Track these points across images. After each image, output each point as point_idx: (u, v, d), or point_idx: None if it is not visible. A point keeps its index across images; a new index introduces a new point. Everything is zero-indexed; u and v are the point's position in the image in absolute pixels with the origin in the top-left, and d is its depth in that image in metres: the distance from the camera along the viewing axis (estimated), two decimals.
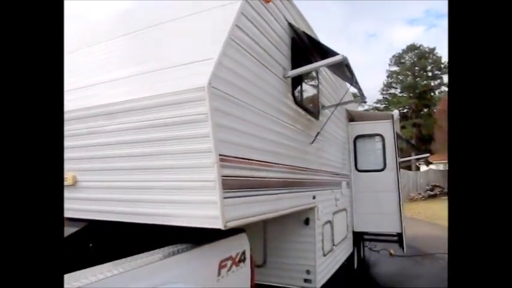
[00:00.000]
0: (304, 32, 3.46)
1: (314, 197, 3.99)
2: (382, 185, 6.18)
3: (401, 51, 44.19)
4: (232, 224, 2.12)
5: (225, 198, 2.06)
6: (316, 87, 4.38)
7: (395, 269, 7.49)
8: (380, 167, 6.25)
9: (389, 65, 45.47)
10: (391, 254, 8.33)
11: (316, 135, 3.91)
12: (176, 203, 2.17)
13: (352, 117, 6.69)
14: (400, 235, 6.03)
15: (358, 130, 6.48)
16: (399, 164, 7.80)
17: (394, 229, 6.05)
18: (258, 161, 2.54)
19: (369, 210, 6.25)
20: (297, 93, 3.57)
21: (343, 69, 3.14)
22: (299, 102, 3.58)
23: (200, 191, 2.09)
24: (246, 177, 2.34)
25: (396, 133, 6.48)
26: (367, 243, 7.96)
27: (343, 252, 5.42)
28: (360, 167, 6.42)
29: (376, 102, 42.56)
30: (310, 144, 3.89)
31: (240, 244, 2.84)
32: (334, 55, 3.02)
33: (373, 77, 76.16)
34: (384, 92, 44.42)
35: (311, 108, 4.13)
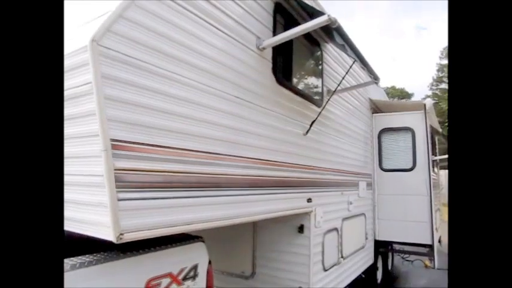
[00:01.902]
0: None
1: (309, 200, 3.28)
2: (410, 187, 5.26)
3: None
4: (133, 236, 1.54)
5: (120, 200, 1.47)
6: (319, 67, 3.65)
7: (427, 283, 6.48)
8: (409, 166, 5.33)
9: (440, 58, 42.05)
10: (426, 266, 7.27)
11: (311, 125, 3.19)
12: (70, 203, 1.62)
13: (377, 108, 5.80)
14: (431, 247, 5.08)
15: (383, 122, 5.59)
16: (434, 163, 6.75)
17: (423, 240, 5.11)
18: (197, 151, 1.92)
19: (394, 216, 5.35)
20: (281, 71, 2.89)
21: (332, 36, 2.41)
22: (285, 82, 2.89)
23: (90, 189, 1.53)
24: (169, 172, 1.73)
25: (431, 126, 5.49)
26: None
27: (358, 264, 4.62)
28: (385, 165, 5.53)
29: (425, 98, 39.36)
30: (303, 136, 3.18)
31: (189, 257, 2.23)
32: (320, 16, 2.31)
33: (423, 72, 71.53)
34: (434, 88, 41.17)
35: (308, 92, 3.40)
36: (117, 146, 1.47)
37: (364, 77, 4.45)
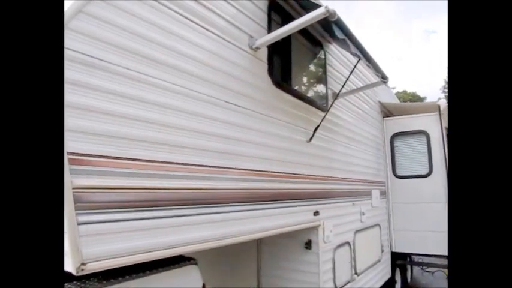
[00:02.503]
0: None
1: (316, 213, 3.00)
2: (427, 195, 4.91)
3: None
4: (99, 266, 1.31)
5: (81, 224, 1.25)
6: (322, 68, 3.41)
7: None
8: (425, 171, 4.99)
9: None
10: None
11: (315, 131, 2.93)
12: None
13: (388, 112, 5.51)
14: None
15: (395, 126, 5.28)
16: None
17: (443, 251, 4.73)
18: (177, 163, 1.69)
19: (411, 226, 5.00)
20: (278, 73, 2.66)
21: (332, 31, 2.17)
22: (283, 85, 2.66)
23: None
24: (143, 189, 1.50)
25: (446, 129, 5.16)
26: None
27: (374, 280, 4.28)
28: (399, 172, 5.21)
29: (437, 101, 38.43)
30: (307, 143, 2.92)
31: (181, 282, 1.98)
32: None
33: (434, 75, 70.38)
34: (446, 90, 40.45)
35: (311, 96, 3.16)
36: (76, 160, 1.26)
37: (372, 78, 4.19)
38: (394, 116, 5.47)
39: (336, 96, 3.25)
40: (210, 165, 1.88)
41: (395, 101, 6.55)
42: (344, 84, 3.23)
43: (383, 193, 5.00)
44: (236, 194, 2.07)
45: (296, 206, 2.70)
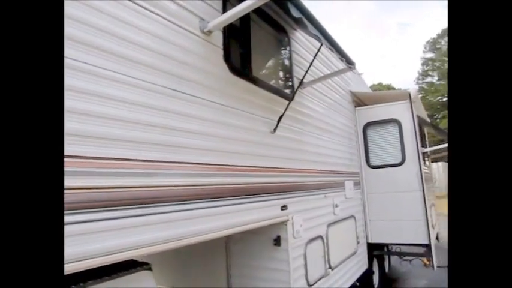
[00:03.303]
0: None
1: (284, 207, 2.85)
2: (401, 184, 4.86)
3: (436, 36, 40.63)
4: None
5: None
6: (287, 56, 3.24)
7: (428, 283, 6.08)
8: (398, 160, 4.93)
9: (424, 52, 42.01)
10: (426, 265, 6.83)
11: (278, 121, 2.76)
12: None
13: (359, 101, 5.42)
14: (428, 247, 4.66)
15: (367, 116, 5.20)
16: (425, 155, 6.39)
17: (420, 239, 4.69)
18: (119, 159, 1.48)
19: (387, 215, 4.95)
20: (237, 60, 2.47)
21: (288, 9, 1.99)
22: (242, 71, 2.47)
23: None
24: (83, 188, 1.29)
25: (418, 117, 5.12)
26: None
27: (350, 272, 4.18)
28: (372, 162, 5.13)
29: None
30: (271, 134, 2.76)
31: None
32: None
33: (408, 67, 71.91)
34: (420, 82, 41.09)
35: (274, 84, 2.99)
36: None
37: (341, 66, 4.07)
38: (366, 105, 5.40)
39: (300, 84, 3.10)
40: (156, 159, 1.68)
41: (368, 90, 6.49)
42: (307, 71, 3.07)
43: (357, 184, 4.92)
44: (189, 190, 1.87)
45: (260, 201, 2.53)
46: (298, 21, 2.12)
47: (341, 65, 4.14)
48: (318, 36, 2.30)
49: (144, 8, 1.75)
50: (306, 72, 3.05)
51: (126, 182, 1.54)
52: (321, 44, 2.55)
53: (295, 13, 1.94)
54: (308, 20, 2.12)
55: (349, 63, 2.99)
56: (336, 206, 4.00)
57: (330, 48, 2.57)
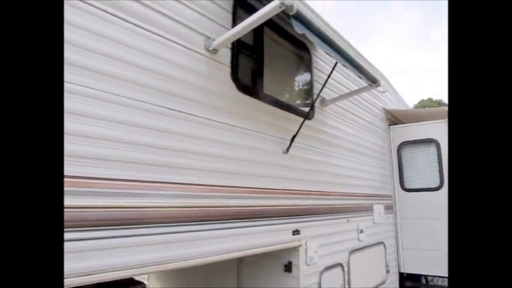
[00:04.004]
0: None
1: (296, 232, 2.69)
2: (439, 210, 4.45)
3: None
4: None
5: None
6: (307, 72, 3.13)
7: None
8: (435, 184, 4.54)
9: None
10: None
11: (292, 141, 2.64)
12: None
13: (395, 119, 5.11)
14: None
15: (402, 135, 4.88)
16: None
17: None
18: (116, 179, 1.48)
19: (422, 244, 4.55)
20: (246, 77, 2.41)
21: (292, 26, 1.88)
22: (252, 90, 2.40)
23: None
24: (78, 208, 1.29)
25: None
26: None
27: None
28: (407, 184, 4.78)
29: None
30: (283, 154, 2.64)
31: None
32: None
33: None
34: None
35: (291, 102, 2.88)
36: None
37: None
38: (402, 123, 5.07)
39: (314, 101, 2.95)
40: (152, 180, 1.67)
41: (406, 107, 6.11)
42: (322, 88, 2.92)
43: (389, 208, 4.59)
44: (189, 212, 1.84)
45: (267, 224, 2.41)
46: (314, 41, 2.00)
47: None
48: (328, 53, 2.17)
49: (145, 29, 1.76)
50: (321, 89, 2.90)
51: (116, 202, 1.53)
52: (336, 62, 2.41)
53: (298, 29, 1.84)
54: (318, 36, 2.01)
55: (372, 80, 2.80)
56: (361, 231, 3.73)
57: (344, 65, 2.43)
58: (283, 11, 1.84)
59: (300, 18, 1.87)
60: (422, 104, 28.52)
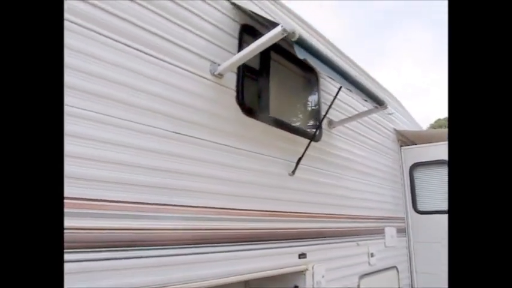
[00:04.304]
0: (259, 16, 2.38)
1: (302, 255, 2.66)
2: None
3: None
4: None
5: None
6: (315, 94, 3.15)
7: None
8: None
9: None
10: None
11: (298, 163, 2.64)
12: None
13: (407, 140, 5.05)
14: None
15: (414, 156, 4.80)
16: None
17: None
18: (116, 201, 1.52)
19: (437, 268, 4.39)
20: (252, 101, 2.45)
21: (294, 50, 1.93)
22: (257, 113, 2.43)
23: None
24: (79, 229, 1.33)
25: None
26: None
27: None
28: (420, 207, 4.67)
29: None
30: (290, 176, 2.64)
31: None
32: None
33: None
34: None
35: (298, 124, 2.90)
36: None
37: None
38: (414, 144, 5.01)
39: (320, 122, 2.96)
40: (150, 202, 1.70)
41: (418, 128, 6.04)
42: (328, 110, 2.93)
43: (401, 231, 4.48)
44: (192, 234, 1.85)
45: (272, 247, 2.38)
46: (316, 65, 2.04)
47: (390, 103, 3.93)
48: (331, 76, 2.19)
49: (151, 55, 1.83)
50: (327, 111, 2.92)
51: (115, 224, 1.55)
52: (340, 87, 2.43)
53: (300, 54, 1.88)
54: (321, 60, 2.04)
55: (379, 103, 2.80)
56: (372, 255, 3.65)
57: (348, 89, 2.44)
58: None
59: (302, 43, 1.90)
60: (439, 123, 28.05)
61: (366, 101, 2.71)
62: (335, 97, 2.90)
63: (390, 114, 4.33)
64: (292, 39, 1.87)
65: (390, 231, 4.16)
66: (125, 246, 1.57)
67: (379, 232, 3.93)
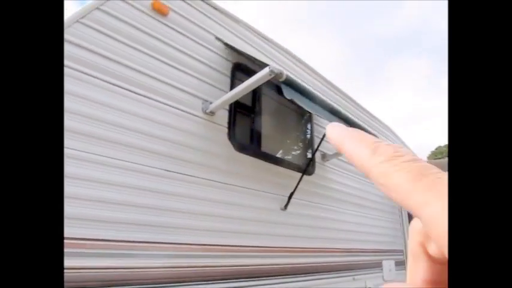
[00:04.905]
0: (248, 56, 2.48)
1: None
2: None
3: None
4: None
5: None
6: (307, 128, 3.20)
7: None
8: None
9: None
10: None
11: (290, 198, 2.65)
12: None
13: None
14: None
15: None
16: None
17: None
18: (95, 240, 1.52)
19: None
20: (244, 137, 2.50)
21: (283, 92, 1.99)
22: (249, 149, 2.48)
23: None
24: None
25: None
26: None
27: None
28: None
29: None
30: (282, 211, 2.64)
31: None
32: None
33: None
34: None
35: (289, 158, 2.94)
36: None
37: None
38: None
39: (313, 156, 2.99)
40: (146, 240, 1.72)
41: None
42: (319, 144, 2.98)
43: (400, 263, 4.40)
44: (174, 272, 1.83)
45: (265, 285, 2.35)
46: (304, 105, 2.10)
47: (383, 133, 3.97)
48: (319, 115, 2.25)
49: (144, 96, 1.89)
50: (319, 144, 2.96)
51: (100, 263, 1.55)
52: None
53: (287, 94, 1.94)
54: (310, 99, 2.10)
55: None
56: None
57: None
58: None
59: (289, 83, 1.97)
60: (440, 150, 28.05)
61: None
62: (322, 138, 2.95)
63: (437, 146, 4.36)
64: (280, 80, 1.94)
65: (388, 264, 4.09)
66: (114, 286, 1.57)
67: (377, 265, 3.86)
